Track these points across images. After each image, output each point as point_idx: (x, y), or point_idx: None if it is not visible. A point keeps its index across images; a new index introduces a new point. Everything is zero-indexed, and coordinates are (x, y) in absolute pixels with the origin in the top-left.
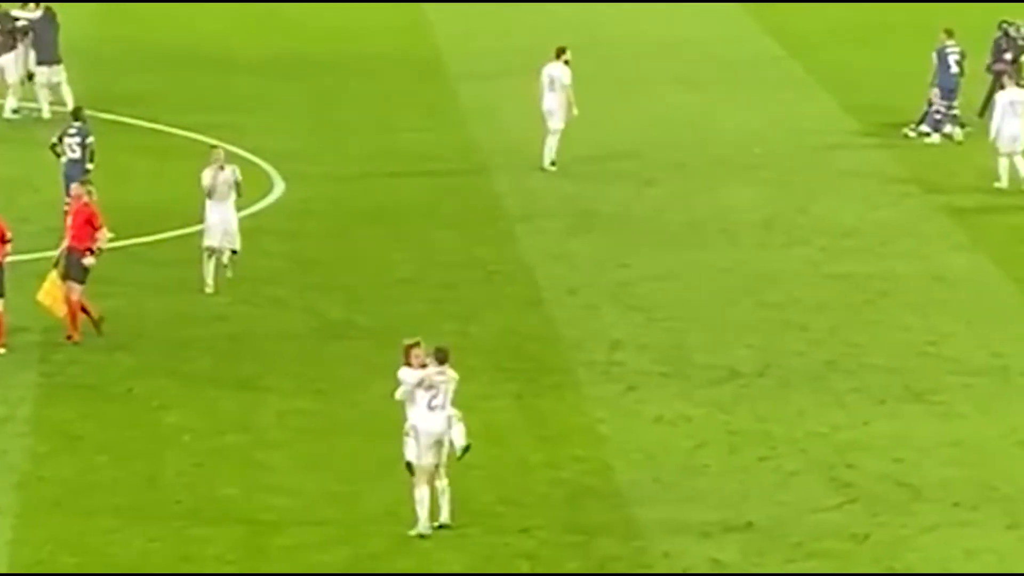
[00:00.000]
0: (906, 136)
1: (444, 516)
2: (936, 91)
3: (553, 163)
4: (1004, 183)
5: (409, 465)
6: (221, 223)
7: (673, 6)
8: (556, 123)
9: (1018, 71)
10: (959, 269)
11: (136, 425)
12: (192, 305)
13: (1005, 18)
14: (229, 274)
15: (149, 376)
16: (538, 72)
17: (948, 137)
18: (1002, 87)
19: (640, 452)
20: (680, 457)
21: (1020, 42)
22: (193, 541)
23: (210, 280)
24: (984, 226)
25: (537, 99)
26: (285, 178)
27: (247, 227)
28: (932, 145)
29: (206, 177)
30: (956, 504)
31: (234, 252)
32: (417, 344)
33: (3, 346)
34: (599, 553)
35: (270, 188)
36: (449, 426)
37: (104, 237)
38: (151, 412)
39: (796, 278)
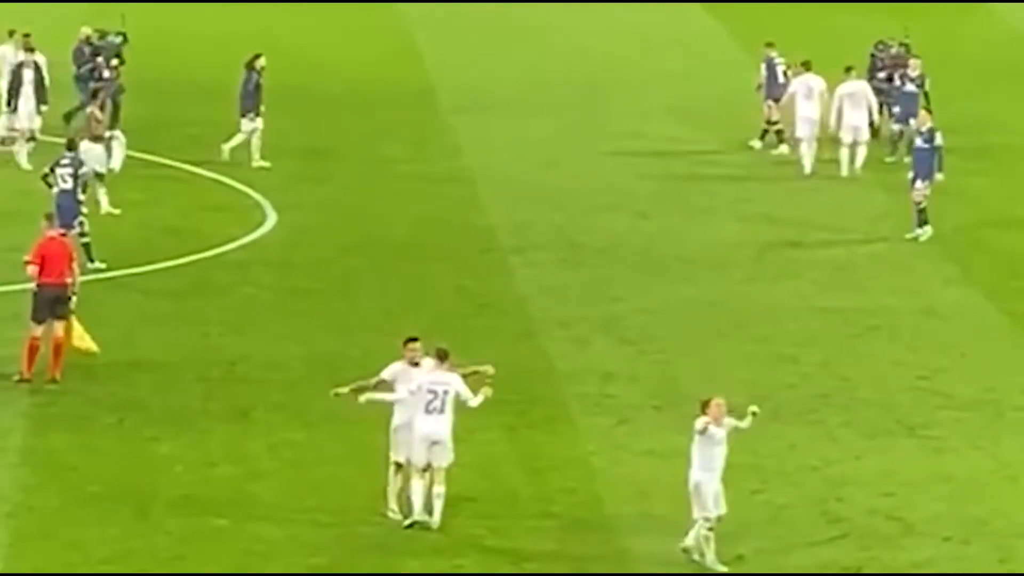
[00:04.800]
0: (750, 147)
1: (436, 515)
2: (771, 103)
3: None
4: (844, 171)
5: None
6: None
7: (669, 37)
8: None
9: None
10: (950, 303)
11: (128, 456)
12: (183, 336)
13: (881, 39)
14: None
15: (141, 407)
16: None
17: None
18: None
19: (631, 485)
20: (671, 490)
21: (889, 60)
22: (184, 572)
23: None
24: (975, 260)
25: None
26: (277, 209)
27: (238, 258)
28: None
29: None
30: (947, 539)
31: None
32: (415, 339)
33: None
34: None
35: (263, 219)
36: (446, 430)
37: (78, 274)
38: (143, 443)
39: (787, 312)
